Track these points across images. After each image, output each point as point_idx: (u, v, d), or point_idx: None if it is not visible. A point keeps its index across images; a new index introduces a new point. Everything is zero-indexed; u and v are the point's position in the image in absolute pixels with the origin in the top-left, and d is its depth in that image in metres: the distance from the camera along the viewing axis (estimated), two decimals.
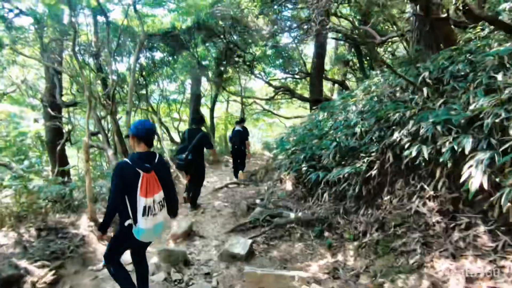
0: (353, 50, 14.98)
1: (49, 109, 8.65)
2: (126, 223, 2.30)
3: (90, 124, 13.25)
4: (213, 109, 17.56)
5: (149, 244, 2.61)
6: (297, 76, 14.00)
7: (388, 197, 3.34)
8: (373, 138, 3.70)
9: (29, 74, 10.37)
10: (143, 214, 2.20)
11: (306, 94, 14.94)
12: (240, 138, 7.83)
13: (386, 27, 11.96)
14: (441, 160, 2.40)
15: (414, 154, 2.68)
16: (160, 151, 9.95)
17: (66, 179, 5.14)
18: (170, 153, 9.03)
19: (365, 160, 3.51)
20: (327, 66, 17.59)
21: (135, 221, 2.23)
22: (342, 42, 16.58)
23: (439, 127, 2.53)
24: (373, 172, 3.35)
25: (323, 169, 4.27)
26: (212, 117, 17.35)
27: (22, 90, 10.04)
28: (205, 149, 5.51)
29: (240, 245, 3.55)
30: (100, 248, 3.70)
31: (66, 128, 10.03)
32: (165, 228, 2.56)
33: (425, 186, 2.99)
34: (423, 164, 2.90)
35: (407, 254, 2.64)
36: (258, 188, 7.13)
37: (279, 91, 11.50)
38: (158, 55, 12.00)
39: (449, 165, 2.38)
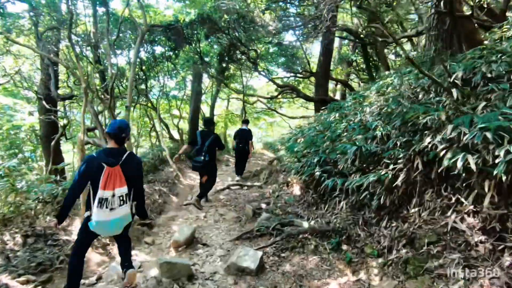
0: (357, 50, 14.72)
1: (44, 102, 8.25)
2: (85, 214, 2.43)
3: (86, 119, 12.81)
4: (213, 106, 17.19)
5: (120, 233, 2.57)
6: (300, 75, 13.68)
7: (416, 209, 3.00)
8: (398, 143, 3.36)
9: (23, 64, 9.92)
10: (98, 206, 2.27)
11: (308, 94, 14.64)
12: (245, 137, 7.79)
13: (392, 27, 11.68)
14: (495, 172, 2.07)
15: (460, 164, 2.34)
16: (159, 148, 9.57)
17: (59, 177, 4.76)
18: (169, 151, 8.65)
19: (390, 167, 3.17)
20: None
21: (92, 214, 2.31)
22: (346, 42, 16.29)
23: (489, 134, 2.20)
24: (400, 181, 3.01)
25: (339, 174, 3.94)
26: (212, 115, 17.00)
27: (16, 81, 9.60)
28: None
29: (249, 257, 3.20)
30: (94, 257, 3.35)
31: (61, 122, 9.62)
32: (125, 224, 2.52)
33: (462, 199, 2.66)
34: (463, 174, 2.56)
35: (446, 278, 2.31)
36: (262, 191, 6.79)
37: (284, 90, 11.14)
38: (159, 49, 11.61)
39: (503, 178, 2.05)
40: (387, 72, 6.81)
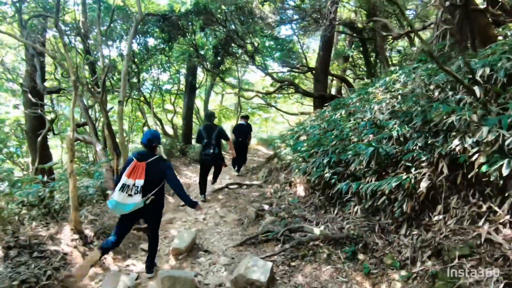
0: (353, 45, 14.48)
1: (29, 95, 7.75)
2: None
3: (76, 113, 12.29)
4: (207, 101, 16.79)
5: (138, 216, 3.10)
6: (297, 70, 13.38)
7: (441, 216, 2.77)
8: (418, 144, 3.12)
9: (6, 55, 9.35)
10: (120, 189, 2.77)
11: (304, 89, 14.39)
12: (244, 132, 7.96)
13: (392, 22, 11.45)
14: None
15: (506, 172, 2.10)
16: None
17: (45, 178, 4.38)
18: (164, 147, 8.30)
19: (412, 171, 2.93)
20: None
21: (113, 194, 2.80)
22: (342, 37, 16.02)
23: None
24: (424, 186, 2.77)
25: (351, 177, 3.69)
26: (206, 110, 16.58)
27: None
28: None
29: (258, 269, 2.93)
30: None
31: (48, 117, 9.12)
32: (136, 208, 2.83)
33: (495, 208, 2.43)
34: (498, 180, 2.33)
35: None
36: (262, 190, 6.52)
37: (283, 85, 10.84)
38: (151, 41, 11.12)
39: None
40: (392, 68, 6.56)
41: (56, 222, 3.63)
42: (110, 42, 9.39)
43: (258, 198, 6.09)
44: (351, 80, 16.21)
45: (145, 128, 13.63)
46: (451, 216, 2.70)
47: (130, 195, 2.75)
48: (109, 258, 3.40)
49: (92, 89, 5.52)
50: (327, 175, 3.91)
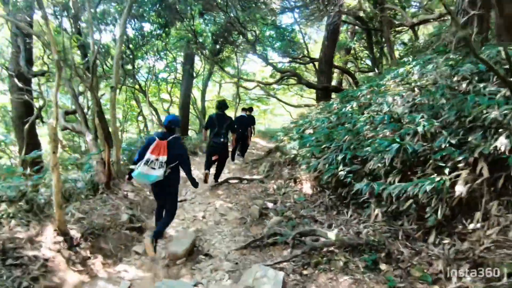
0: (355, 37, 14.02)
1: (15, 80, 7.23)
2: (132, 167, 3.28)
3: (66, 100, 11.69)
4: (204, 91, 16.27)
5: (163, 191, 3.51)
6: (299, 61, 12.93)
7: (479, 225, 2.43)
8: (451, 141, 2.75)
9: None
10: (145, 163, 3.12)
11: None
12: (245, 123, 8.05)
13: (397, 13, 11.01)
14: None
15: None
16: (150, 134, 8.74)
17: (29, 170, 3.94)
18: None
19: (447, 172, 2.57)
20: None
21: (138, 167, 3.14)
22: (344, 28, 15.52)
23: None
24: (464, 191, 2.41)
25: (370, 176, 3.32)
26: (203, 100, 16.08)
27: None
28: None
29: (268, 280, 2.57)
30: (71, 277, 2.63)
31: (37, 104, 8.60)
32: (156, 179, 3.19)
33: None
34: None
35: None
36: (264, 186, 6.15)
37: (285, 75, 10.41)
38: (147, 27, 10.53)
39: None
40: (405, 59, 6.19)
41: (38, 220, 3.22)
42: (103, 27, 8.83)
43: (260, 194, 5.73)
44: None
45: (140, 118, 13.19)
46: (492, 224, 2.36)
47: (153, 168, 3.14)
48: (97, 262, 3.01)
49: (83, 74, 5.05)
50: (342, 173, 3.55)
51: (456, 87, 3.56)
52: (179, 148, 3.37)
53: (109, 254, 3.17)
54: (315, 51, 15.50)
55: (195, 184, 3.66)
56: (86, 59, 5.55)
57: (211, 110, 19.23)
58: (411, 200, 2.74)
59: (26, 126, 7.37)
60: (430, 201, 2.51)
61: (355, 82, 12.32)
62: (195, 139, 12.29)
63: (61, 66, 2.81)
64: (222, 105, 5.72)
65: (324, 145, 4.16)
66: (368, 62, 16.83)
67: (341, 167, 3.59)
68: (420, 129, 3.08)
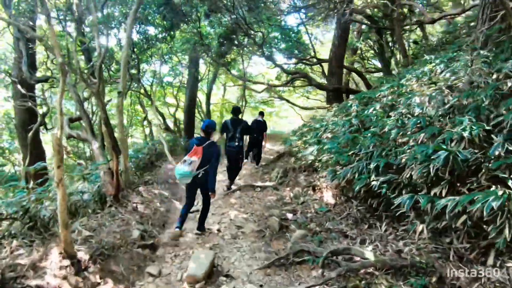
0: (362, 37, 13.68)
1: (18, 86, 6.98)
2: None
3: (69, 105, 11.40)
4: (209, 94, 16.01)
5: (195, 188, 3.97)
6: (307, 62, 12.61)
7: None
8: (510, 148, 2.41)
9: None
10: (182, 162, 3.66)
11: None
12: (260, 128, 7.78)
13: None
14: None
15: None
16: (155, 141, 8.46)
17: (32, 183, 3.65)
18: (167, 143, 7.56)
19: (511, 183, 2.23)
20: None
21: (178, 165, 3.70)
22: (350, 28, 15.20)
23: None
24: None
25: (409, 187, 2.98)
26: (208, 103, 15.82)
27: None
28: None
29: None
30: None
31: (41, 110, 8.34)
32: (191, 176, 3.69)
33: None
34: None
35: None
36: (279, 194, 5.83)
37: (295, 77, 10.10)
38: (152, 30, 10.27)
39: None
40: (427, 57, 5.85)
41: (42, 240, 2.92)
42: (107, 31, 8.57)
43: (276, 203, 5.40)
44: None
45: (145, 123, 12.93)
46: None
47: (185, 166, 3.61)
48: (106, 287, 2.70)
49: (88, 79, 4.77)
50: (374, 183, 3.21)
51: (499, 86, 3.22)
52: (210, 154, 3.76)
53: (120, 278, 2.85)
54: (321, 53, 15.20)
55: (213, 190, 3.88)
56: (91, 63, 5.28)
57: (216, 113, 18.98)
58: (464, 216, 2.40)
59: (30, 133, 7.11)
60: (495, 218, 2.16)
61: (366, 83, 11.99)
62: None
63: (66, 70, 2.52)
64: (235, 110, 5.98)
65: (351, 151, 3.82)
66: (375, 62, 16.51)
67: (373, 177, 3.25)
68: (466, 133, 2.74)
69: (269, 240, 3.98)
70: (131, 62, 8.42)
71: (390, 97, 5.11)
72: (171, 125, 11.99)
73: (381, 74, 15.48)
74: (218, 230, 4.31)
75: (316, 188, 5.18)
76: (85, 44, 5.61)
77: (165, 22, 9.64)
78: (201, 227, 4.08)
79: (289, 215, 4.58)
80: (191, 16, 9.82)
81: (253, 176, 7.72)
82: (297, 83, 14.46)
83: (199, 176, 3.71)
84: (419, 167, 2.81)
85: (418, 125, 3.46)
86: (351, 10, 6.90)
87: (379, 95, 5.50)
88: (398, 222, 3.23)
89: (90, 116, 6.09)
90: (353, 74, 14.51)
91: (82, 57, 7.76)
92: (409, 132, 3.57)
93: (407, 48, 13.39)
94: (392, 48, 12.75)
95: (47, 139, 10.83)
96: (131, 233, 3.51)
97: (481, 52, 4.49)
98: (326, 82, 10.85)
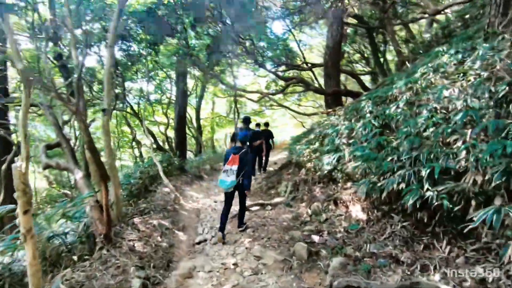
0: (348, 41, 13.46)
1: None
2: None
3: (51, 131, 10.51)
4: (199, 108, 15.36)
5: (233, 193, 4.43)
6: (299, 68, 12.18)
7: None
8: None
9: None
10: (224, 172, 4.22)
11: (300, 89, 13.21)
12: (266, 136, 8.31)
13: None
14: None
15: None
16: (147, 163, 7.69)
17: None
18: (160, 164, 6.83)
19: None
20: (318, 59, 15.94)
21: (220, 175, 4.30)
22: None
23: None
24: None
25: (482, 196, 2.39)
26: (198, 118, 15.15)
27: None
28: None
29: None
30: None
31: (15, 139, 7.49)
32: (233, 185, 4.17)
33: None
34: None
35: None
36: (294, 211, 5.18)
37: (291, 82, 9.59)
38: (135, 46, 9.60)
39: None
40: (438, 49, 5.43)
41: None
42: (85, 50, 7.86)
43: (293, 222, 4.76)
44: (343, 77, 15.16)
45: (134, 143, 12.12)
46: None
47: (228, 176, 4.11)
48: None
49: (67, 99, 4.06)
50: (430, 193, 2.60)
51: None
52: (246, 161, 4.27)
53: None
54: (309, 59, 14.89)
55: (249, 189, 4.59)
56: (70, 79, 4.59)
57: (207, 128, 18.29)
58: None
59: (4, 166, 6.26)
60: None
61: (362, 85, 11.64)
62: (196, 161, 11.26)
63: (30, 79, 1.86)
64: (245, 119, 6.57)
65: (389, 157, 3.22)
66: (359, 66, 16.33)
67: (426, 186, 2.65)
68: None
69: (299, 272, 3.31)
70: (115, 79, 7.71)
71: (408, 94, 4.62)
72: (161, 144, 11.22)
73: (368, 77, 15.34)
74: (235, 265, 3.60)
75: (338, 201, 4.55)
76: (62, 59, 4.90)
77: (148, 37, 9.03)
78: (241, 224, 4.55)
79: (315, 237, 3.93)
80: (176, 28, 9.27)
81: (257, 192, 7.05)
82: (289, 89, 14.02)
83: (239, 182, 4.19)
84: (491, 170, 2.23)
85: (470, 120, 2.91)
86: (340, 12, 6.50)
87: (393, 92, 5.00)
88: (462, 239, 2.62)
89: (73, 141, 5.28)
90: (342, 77, 14.21)
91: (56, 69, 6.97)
92: (449, 129, 3.03)
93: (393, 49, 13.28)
94: (385, 48, 12.56)
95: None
96: (131, 283, 2.77)
97: (506, 36, 4.07)
98: (321, 87, 10.44)
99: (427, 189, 2.64)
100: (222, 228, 4.30)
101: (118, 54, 9.03)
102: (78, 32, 7.12)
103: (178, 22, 9.15)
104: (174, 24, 9.21)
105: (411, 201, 2.66)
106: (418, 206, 2.73)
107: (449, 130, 2.96)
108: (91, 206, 3.37)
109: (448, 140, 3.02)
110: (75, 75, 4.35)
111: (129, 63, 9.27)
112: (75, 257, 2.91)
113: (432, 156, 2.84)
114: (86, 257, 3.00)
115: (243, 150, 4.26)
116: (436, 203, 2.58)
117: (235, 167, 4.09)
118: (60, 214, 3.25)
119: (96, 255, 3.03)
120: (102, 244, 3.18)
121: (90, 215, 3.33)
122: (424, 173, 2.67)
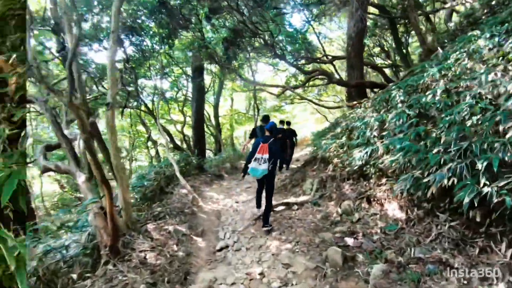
0: (368, 33, 12.56)
1: None
2: (249, 165, 4.29)
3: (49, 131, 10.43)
4: (217, 105, 14.92)
5: (263, 179, 4.47)
6: (320, 61, 11.48)
7: None
8: None
9: None
10: (254, 160, 4.22)
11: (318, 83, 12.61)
12: (290, 135, 8.34)
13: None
14: None
15: None
16: (163, 163, 7.34)
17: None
18: (177, 164, 6.43)
19: None
20: (338, 52, 15.11)
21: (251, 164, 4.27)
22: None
23: None
24: None
25: None
26: (216, 116, 14.70)
27: None
28: None
29: None
30: None
31: None
32: (264, 173, 4.21)
33: None
34: None
35: None
36: (322, 210, 4.63)
37: (313, 75, 8.98)
38: (147, 40, 9.25)
39: None
40: (472, 33, 4.73)
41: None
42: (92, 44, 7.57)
43: (322, 223, 4.24)
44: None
45: (149, 143, 11.85)
46: None
47: (260, 164, 4.21)
48: None
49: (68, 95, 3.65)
50: (487, 189, 2.01)
51: None
52: (276, 149, 4.35)
53: None
54: (329, 51, 14.11)
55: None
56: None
57: (226, 126, 17.87)
58: None
59: None
60: None
61: (385, 77, 10.81)
62: (215, 159, 10.85)
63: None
64: (264, 117, 6.38)
65: (434, 149, 2.60)
66: (379, 60, 15.35)
67: (483, 181, 2.04)
68: None
69: (334, 281, 2.80)
70: (125, 74, 7.37)
71: (442, 81, 3.93)
72: (179, 143, 10.88)
73: (388, 70, 14.36)
74: (261, 274, 3.11)
75: (371, 199, 3.95)
76: (63, 51, 4.56)
77: (161, 30, 8.64)
78: (266, 224, 4.30)
79: (349, 240, 3.40)
80: (191, 20, 8.83)
81: (282, 191, 6.51)
82: (311, 83, 13.34)
83: (270, 169, 4.23)
84: None
85: None
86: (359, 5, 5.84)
87: (428, 80, 4.32)
88: None
89: (76, 141, 4.89)
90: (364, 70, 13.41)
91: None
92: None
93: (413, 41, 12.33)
94: (407, 39, 11.68)
95: (34, 173, 9.44)
96: None
97: None
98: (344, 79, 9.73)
99: (484, 184, 2.04)
100: (258, 205, 4.83)
101: (130, 49, 8.73)
102: (85, 26, 6.82)
103: (192, 13, 8.73)
104: (187, 15, 8.79)
105: (467, 199, 2.06)
106: (476, 204, 2.13)
107: (499, 118, 2.31)
108: (95, 214, 2.97)
109: (498, 128, 2.37)
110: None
111: (142, 59, 8.94)
112: (74, 275, 2.49)
113: (486, 146, 2.21)
114: (88, 274, 2.59)
115: (272, 139, 4.32)
116: (496, 200, 1.98)
117: (266, 156, 4.18)
118: (58, 225, 2.86)
119: (100, 271, 2.62)
120: (108, 258, 2.77)
121: (94, 223, 2.93)
122: (480, 166, 2.08)
